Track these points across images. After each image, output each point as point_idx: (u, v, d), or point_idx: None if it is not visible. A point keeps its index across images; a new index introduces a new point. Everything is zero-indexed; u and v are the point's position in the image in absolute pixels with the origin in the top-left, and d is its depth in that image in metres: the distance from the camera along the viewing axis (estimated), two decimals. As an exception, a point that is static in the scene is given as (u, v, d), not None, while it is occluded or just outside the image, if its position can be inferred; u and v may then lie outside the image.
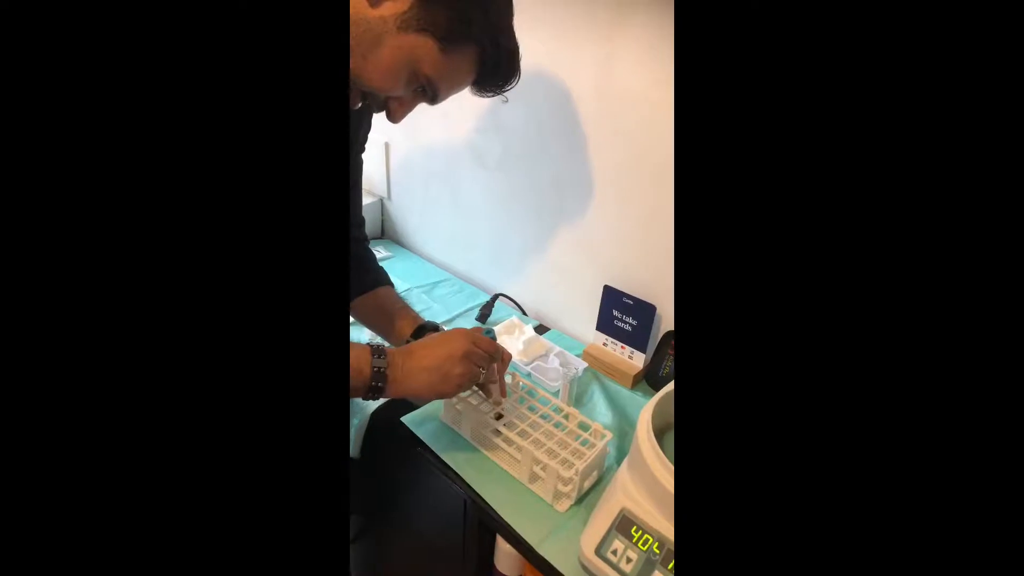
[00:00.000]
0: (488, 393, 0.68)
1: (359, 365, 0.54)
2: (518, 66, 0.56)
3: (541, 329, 0.98)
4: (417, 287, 1.07)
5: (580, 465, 0.60)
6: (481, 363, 0.61)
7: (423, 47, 0.49)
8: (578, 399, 0.81)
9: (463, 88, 0.56)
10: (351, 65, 0.49)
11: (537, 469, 0.63)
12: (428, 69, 0.50)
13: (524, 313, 1.03)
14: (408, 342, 0.72)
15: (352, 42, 0.48)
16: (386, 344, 0.77)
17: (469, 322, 0.98)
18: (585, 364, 0.84)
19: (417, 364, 0.57)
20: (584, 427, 0.66)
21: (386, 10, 0.47)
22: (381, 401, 0.78)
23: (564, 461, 0.62)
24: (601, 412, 0.78)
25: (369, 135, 0.75)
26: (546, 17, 0.81)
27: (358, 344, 0.56)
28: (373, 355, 0.55)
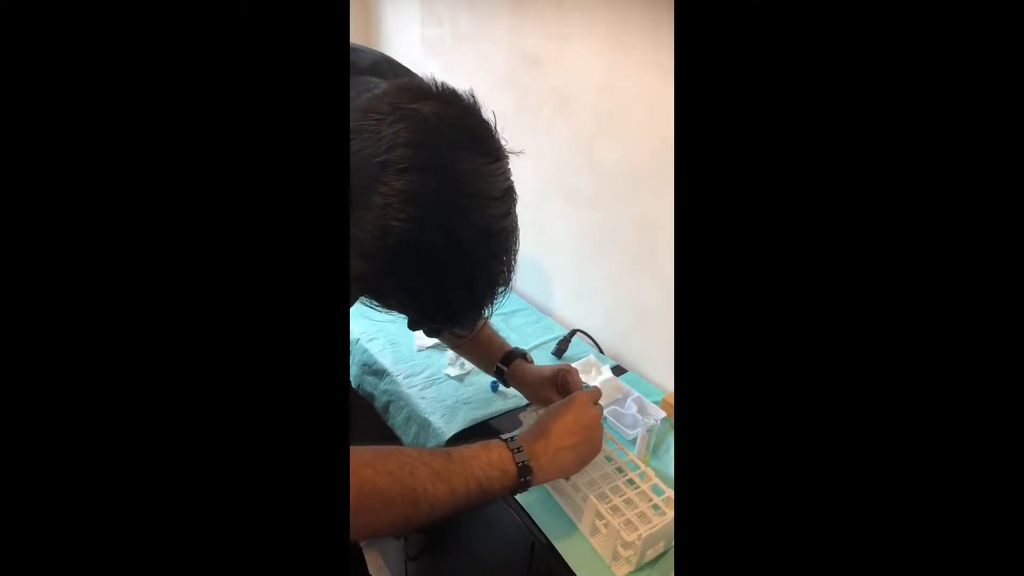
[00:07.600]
0: None
1: (503, 464, 0.53)
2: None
3: (618, 370, 0.97)
4: (496, 314, 1.09)
5: (644, 531, 0.57)
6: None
7: None
8: (654, 449, 0.79)
9: None
10: None
11: (599, 524, 0.62)
12: None
13: (601, 352, 1.02)
14: (498, 368, 0.76)
15: None
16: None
17: (545, 355, 0.99)
18: (663, 414, 0.82)
19: (556, 446, 0.57)
20: (658, 491, 0.63)
21: None
22: (459, 427, 0.80)
23: (628, 522, 0.59)
24: (677, 466, 0.76)
25: None
26: (648, 61, 0.81)
27: (490, 443, 0.55)
28: (513, 451, 0.54)
